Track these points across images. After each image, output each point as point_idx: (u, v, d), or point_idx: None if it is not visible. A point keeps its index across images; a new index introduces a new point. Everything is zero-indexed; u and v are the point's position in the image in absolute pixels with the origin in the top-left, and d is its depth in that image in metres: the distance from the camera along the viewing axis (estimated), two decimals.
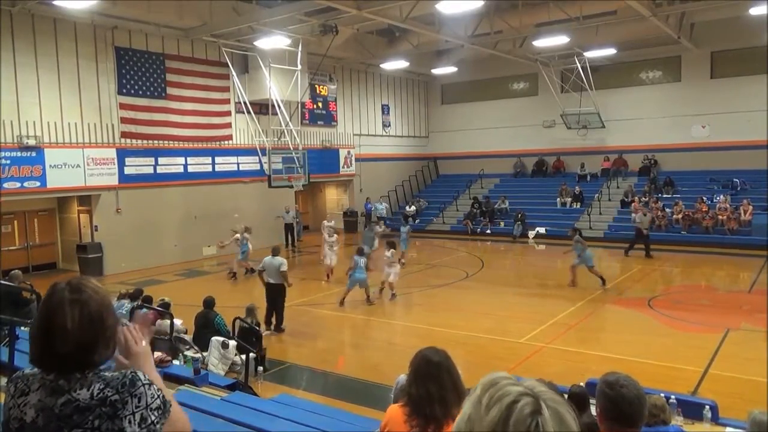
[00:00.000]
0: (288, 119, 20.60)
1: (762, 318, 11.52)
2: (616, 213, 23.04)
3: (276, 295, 11.11)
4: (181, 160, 19.56)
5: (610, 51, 22.33)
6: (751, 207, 19.95)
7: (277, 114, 20.45)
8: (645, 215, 18.68)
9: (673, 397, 5.02)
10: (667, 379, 7.95)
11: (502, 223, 24.42)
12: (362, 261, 13.21)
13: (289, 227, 21.92)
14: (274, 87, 20.10)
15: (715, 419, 5.16)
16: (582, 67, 23.98)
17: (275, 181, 20.02)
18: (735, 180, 21.99)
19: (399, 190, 29.06)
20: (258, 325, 9.39)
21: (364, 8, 16.00)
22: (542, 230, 23.20)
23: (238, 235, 16.48)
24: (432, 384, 2.36)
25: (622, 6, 17.18)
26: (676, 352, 9.51)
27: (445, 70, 25.83)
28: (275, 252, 11.43)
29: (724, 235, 19.73)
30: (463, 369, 5.80)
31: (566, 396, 4.05)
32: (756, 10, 17.35)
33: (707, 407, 5.14)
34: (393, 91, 29.03)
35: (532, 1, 18.98)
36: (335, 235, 16.87)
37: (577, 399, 3.86)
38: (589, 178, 25.83)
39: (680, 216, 20.77)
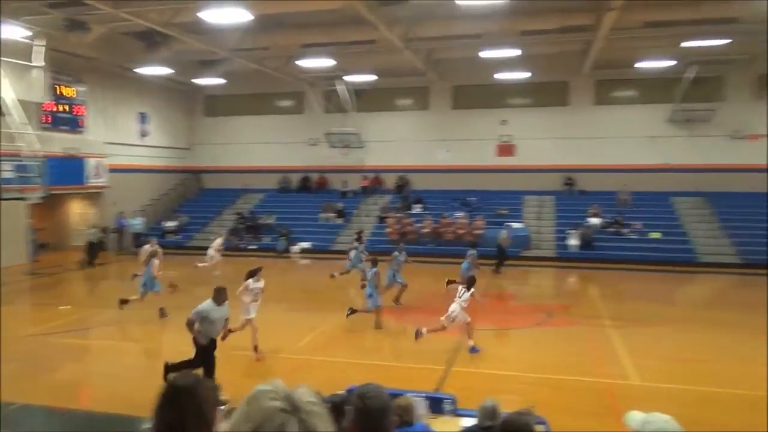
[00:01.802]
0: (25, 121, 18.00)
1: (490, 318, 13.42)
2: (374, 228, 24.72)
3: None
4: None
5: (371, 77, 24.03)
6: (483, 222, 23.09)
7: (9, 115, 17.73)
8: (506, 235, 20.45)
9: (419, 395, 5.53)
10: (418, 380, 8.76)
11: (268, 239, 24.48)
12: (371, 273, 12.34)
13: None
14: (6, 84, 17.44)
15: (454, 411, 5.83)
16: (346, 90, 25.40)
17: (5, 192, 17.31)
18: (470, 199, 25.25)
19: (158, 204, 27.28)
20: None
21: (120, 7, 14.78)
22: (306, 245, 23.79)
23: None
24: (174, 412, 2.15)
25: (380, 37, 18.62)
26: (425, 354, 10.51)
27: (210, 81, 25.07)
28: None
29: (463, 247, 22.41)
30: (228, 389, 5.63)
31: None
32: (484, 54, 20.28)
33: (447, 401, 5.79)
34: (152, 98, 27.18)
35: (299, 21, 19.52)
36: (262, 280, 11.32)
37: (335, 408, 4.02)
38: (349, 194, 27.29)
39: (428, 230, 23.13)
